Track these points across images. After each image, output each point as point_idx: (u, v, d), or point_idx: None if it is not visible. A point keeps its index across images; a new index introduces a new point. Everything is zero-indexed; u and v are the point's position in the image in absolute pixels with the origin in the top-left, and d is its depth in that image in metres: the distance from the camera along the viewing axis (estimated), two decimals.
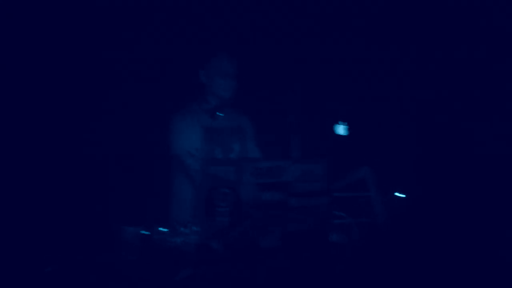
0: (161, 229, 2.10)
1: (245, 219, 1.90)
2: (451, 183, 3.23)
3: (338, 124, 3.28)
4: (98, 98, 3.23)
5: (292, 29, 3.60)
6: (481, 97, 3.47)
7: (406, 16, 3.61)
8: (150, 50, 3.33)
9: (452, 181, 3.25)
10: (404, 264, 2.11)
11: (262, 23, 3.52)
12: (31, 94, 3.03)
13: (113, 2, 3.18)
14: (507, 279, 2.14)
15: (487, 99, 3.45)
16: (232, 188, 1.87)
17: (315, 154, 2.82)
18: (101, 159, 3.14)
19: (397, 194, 2.69)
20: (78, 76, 3.15)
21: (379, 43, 3.68)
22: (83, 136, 3.12)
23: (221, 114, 2.70)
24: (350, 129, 3.23)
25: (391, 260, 2.12)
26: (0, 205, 2.77)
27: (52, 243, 2.14)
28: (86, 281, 1.80)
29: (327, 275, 1.97)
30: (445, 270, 2.13)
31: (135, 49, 3.28)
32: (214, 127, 2.71)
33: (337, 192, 2.43)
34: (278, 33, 3.57)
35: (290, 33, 3.61)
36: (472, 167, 3.35)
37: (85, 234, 2.25)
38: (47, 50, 3.05)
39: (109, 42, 3.20)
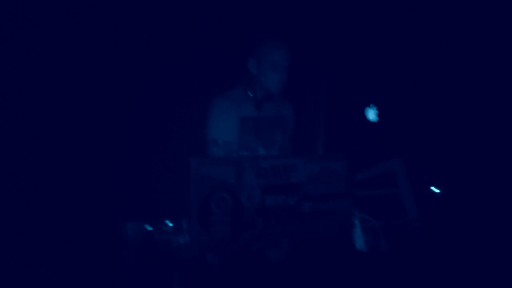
0: (167, 221, 2.03)
1: (247, 228, 1.72)
2: (496, 176, 3.00)
3: (369, 107, 2.99)
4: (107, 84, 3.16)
5: (314, 15, 3.45)
6: None
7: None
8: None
9: (498, 173, 2.99)
10: (443, 276, 1.92)
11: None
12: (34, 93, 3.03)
13: None
14: None
15: None
16: (231, 192, 1.69)
17: (338, 145, 2.63)
18: (102, 153, 3.10)
19: (433, 188, 2.56)
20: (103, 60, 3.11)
21: (410, 24, 3.40)
22: (81, 130, 3.08)
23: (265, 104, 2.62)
24: (380, 114, 2.96)
25: (427, 272, 1.93)
26: None
27: (50, 241, 2.16)
28: (84, 282, 1.79)
29: None
30: (491, 281, 1.95)
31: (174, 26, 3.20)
32: (255, 117, 2.61)
33: (360, 190, 2.26)
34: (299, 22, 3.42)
35: (311, 20, 3.46)
36: None
37: (84, 231, 2.27)
38: (56, 46, 3.02)
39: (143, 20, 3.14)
